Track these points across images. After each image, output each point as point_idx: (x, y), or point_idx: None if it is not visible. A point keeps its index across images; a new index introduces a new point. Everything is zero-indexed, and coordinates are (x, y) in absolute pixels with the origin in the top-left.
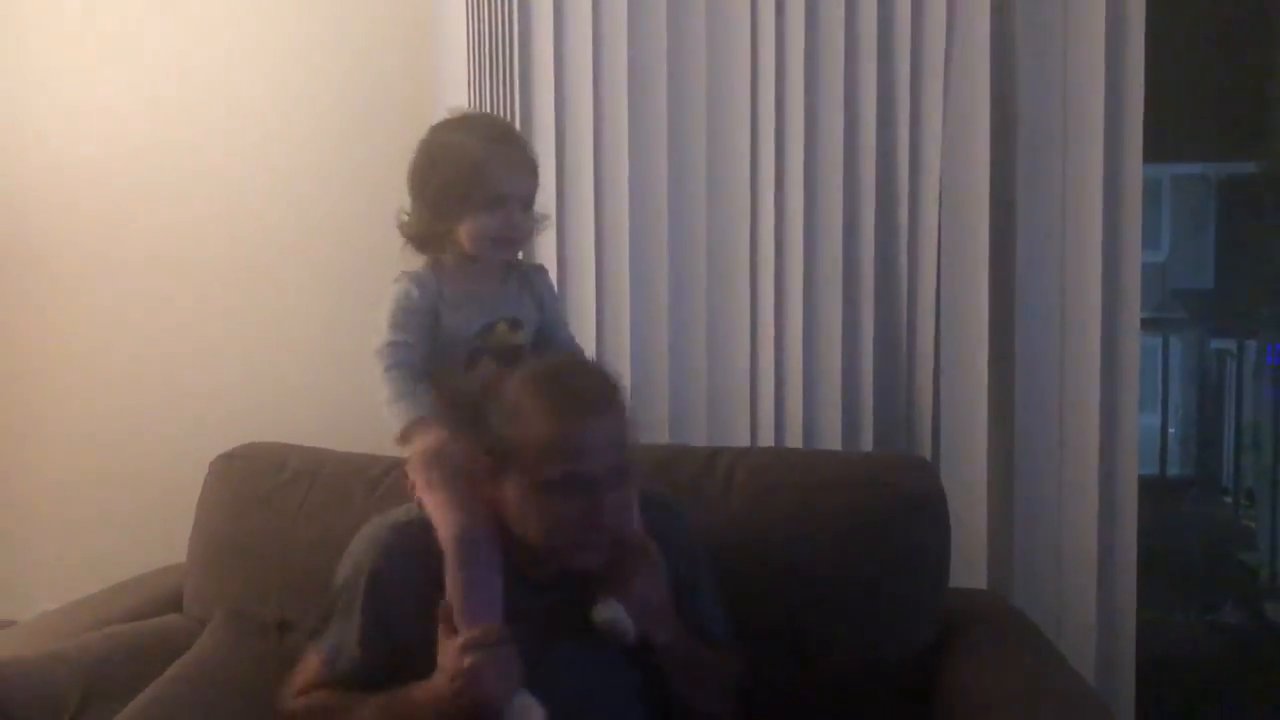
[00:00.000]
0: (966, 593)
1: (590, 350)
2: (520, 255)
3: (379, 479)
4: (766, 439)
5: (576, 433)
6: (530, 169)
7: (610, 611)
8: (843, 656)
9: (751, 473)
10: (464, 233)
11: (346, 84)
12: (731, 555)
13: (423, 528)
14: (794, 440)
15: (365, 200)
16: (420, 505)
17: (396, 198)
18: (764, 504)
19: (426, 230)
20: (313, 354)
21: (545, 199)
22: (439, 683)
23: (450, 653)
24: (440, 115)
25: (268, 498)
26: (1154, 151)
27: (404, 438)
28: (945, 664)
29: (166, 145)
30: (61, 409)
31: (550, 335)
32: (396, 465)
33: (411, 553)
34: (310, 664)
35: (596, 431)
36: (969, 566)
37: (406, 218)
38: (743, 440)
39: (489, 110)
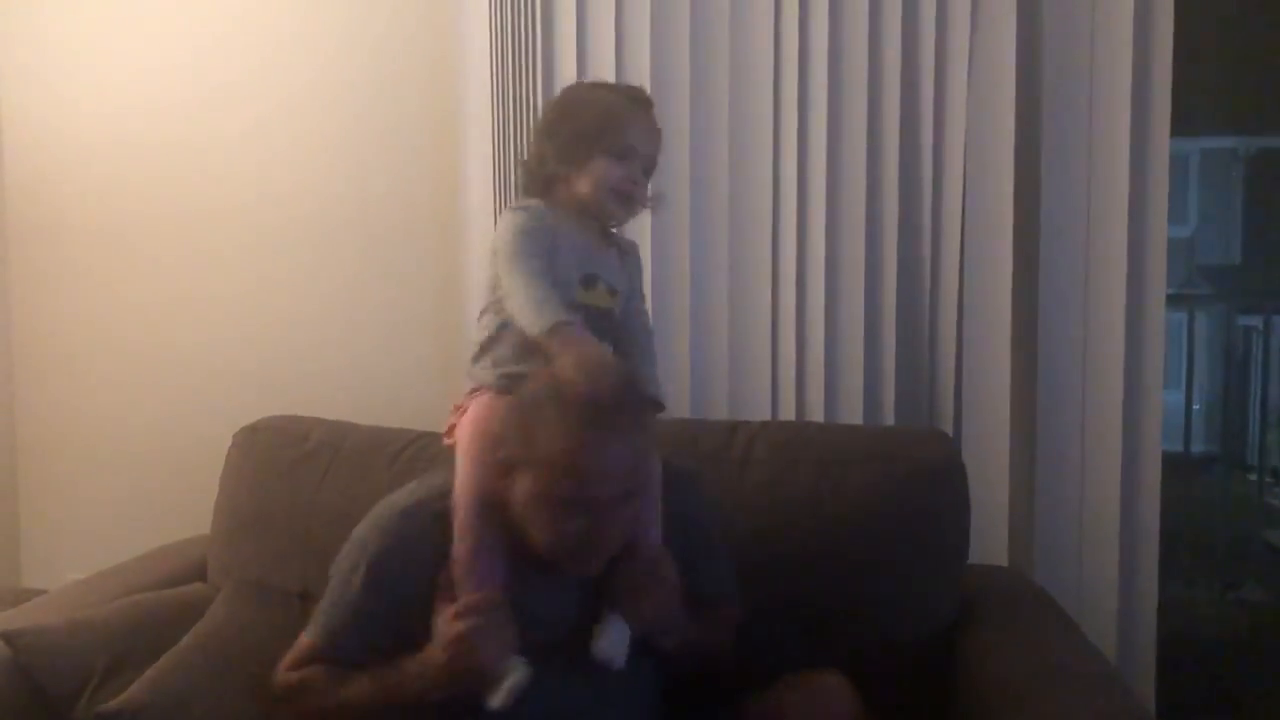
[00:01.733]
0: (987, 569)
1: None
2: (615, 230)
3: (399, 452)
4: (787, 413)
5: (590, 459)
6: (658, 137)
7: (607, 645)
8: (862, 632)
9: (771, 446)
10: (588, 176)
11: (369, 70)
12: (750, 529)
13: (431, 515)
14: (815, 415)
15: (387, 180)
16: (451, 447)
17: (418, 178)
18: (783, 478)
19: (548, 171)
20: (335, 329)
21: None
22: (432, 651)
23: (444, 619)
24: (463, 105)
25: (290, 470)
26: (1182, 126)
27: (559, 343)
28: (965, 641)
29: (189, 127)
30: (89, 386)
31: (630, 312)
32: (417, 439)
33: (417, 538)
34: (304, 641)
35: (611, 458)
36: (990, 544)
37: (527, 159)
38: (763, 414)
39: (509, 89)
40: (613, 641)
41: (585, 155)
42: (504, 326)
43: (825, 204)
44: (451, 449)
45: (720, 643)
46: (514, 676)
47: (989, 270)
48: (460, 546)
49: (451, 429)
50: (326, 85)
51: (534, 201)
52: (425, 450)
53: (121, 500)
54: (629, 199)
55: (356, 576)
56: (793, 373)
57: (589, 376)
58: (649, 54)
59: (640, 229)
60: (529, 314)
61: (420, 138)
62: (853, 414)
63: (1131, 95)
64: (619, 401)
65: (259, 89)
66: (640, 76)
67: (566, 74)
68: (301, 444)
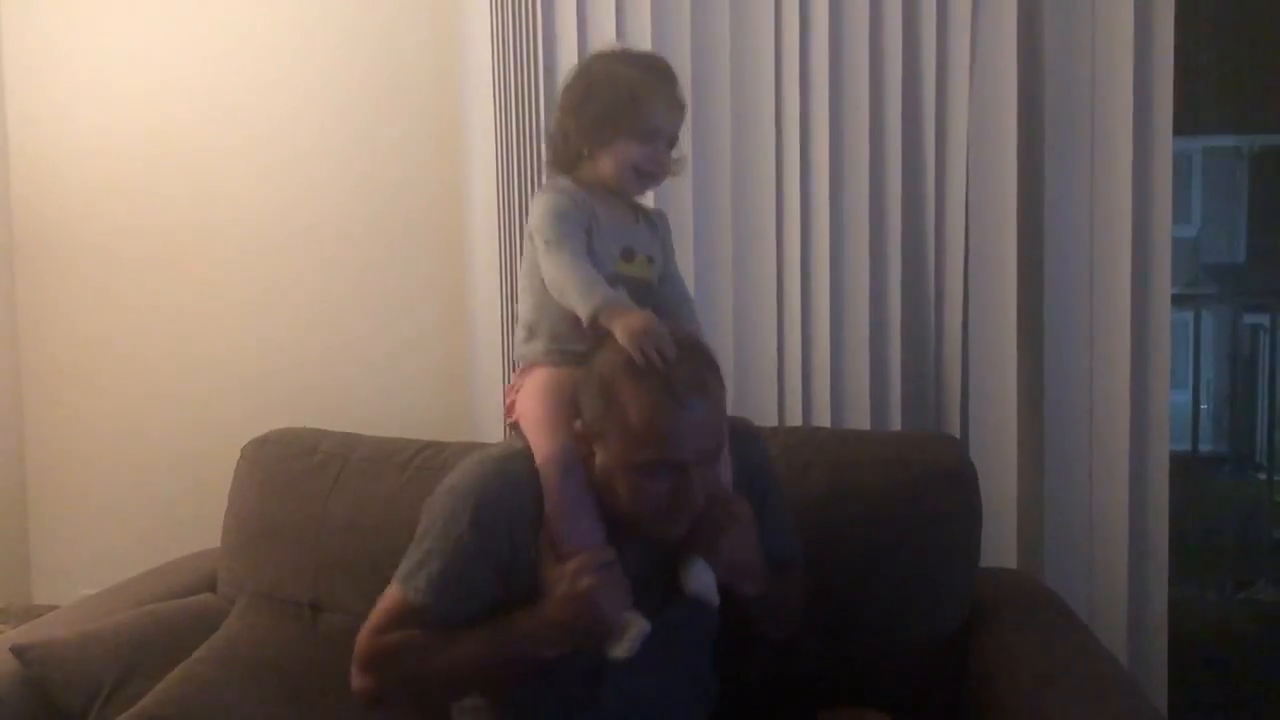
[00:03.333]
0: (997, 572)
1: None
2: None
3: (408, 462)
4: (794, 419)
5: (669, 423)
6: (681, 109)
7: (699, 580)
8: (873, 635)
9: (781, 451)
10: (611, 158)
11: (373, 81)
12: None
13: (525, 458)
14: (821, 420)
15: (394, 189)
16: (517, 426)
17: (425, 187)
18: (793, 483)
19: (574, 150)
20: (342, 340)
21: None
22: (550, 608)
23: (561, 577)
24: (466, 111)
25: (299, 481)
26: (1185, 124)
27: (608, 318)
28: (975, 644)
29: (197, 137)
30: (97, 400)
31: (670, 280)
32: (425, 449)
33: (517, 485)
34: (395, 599)
35: (689, 421)
36: (999, 547)
37: (555, 134)
38: (770, 420)
39: (512, 94)
40: (702, 579)
41: (610, 136)
42: (548, 306)
43: (829, 208)
44: (515, 426)
45: (795, 606)
46: (636, 626)
47: (994, 272)
48: (556, 509)
49: (512, 406)
50: (331, 97)
51: (564, 181)
52: (434, 459)
53: (131, 515)
54: (652, 176)
55: (462, 523)
56: (799, 378)
57: (642, 337)
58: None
59: None
60: (577, 296)
61: (424, 149)
62: (859, 419)
63: (1133, 95)
64: (690, 364)
65: (265, 100)
66: None
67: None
68: (310, 455)
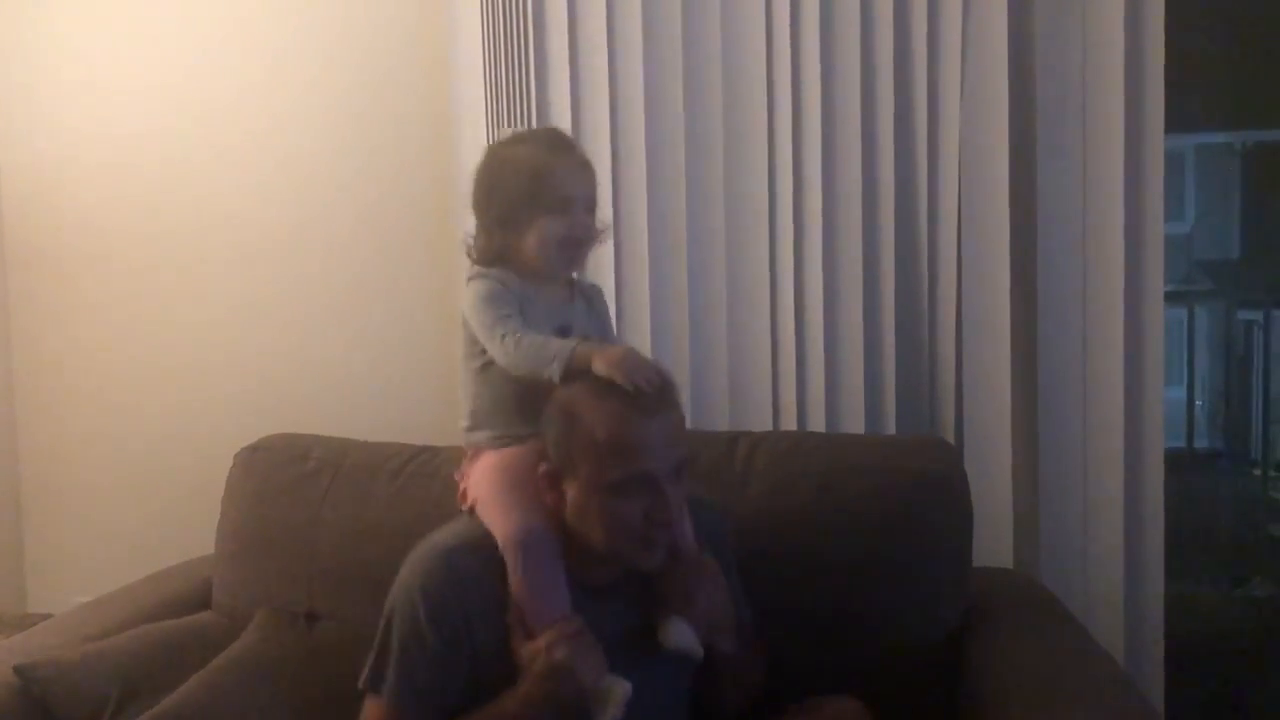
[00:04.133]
0: (992, 572)
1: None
2: (576, 275)
3: (401, 468)
4: (788, 424)
5: (637, 433)
6: (590, 172)
7: (680, 635)
8: (867, 640)
9: (773, 457)
10: (532, 238)
11: (363, 85)
12: (753, 539)
13: (473, 549)
14: (816, 425)
15: (384, 194)
16: (472, 512)
17: (415, 193)
18: (785, 488)
19: (496, 245)
20: (335, 346)
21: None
22: (529, 686)
23: (531, 653)
24: (457, 114)
25: (292, 488)
26: (1177, 122)
27: (582, 362)
28: (971, 645)
29: (186, 142)
30: (89, 408)
31: None
32: (418, 454)
33: (467, 576)
34: (375, 710)
35: (656, 431)
36: (995, 546)
37: (474, 236)
38: (764, 426)
39: (506, 107)
40: (682, 633)
41: (526, 219)
42: (485, 395)
43: (821, 208)
44: (471, 511)
45: (758, 674)
46: (619, 690)
47: (986, 272)
48: (521, 585)
49: (464, 494)
50: (321, 101)
51: (493, 270)
52: (427, 465)
53: (125, 522)
54: (579, 244)
55: (422, 625)
56: (793, 383)
57: (625, 364)
58: (640, 60)
59: (636, 243)
60: (538, 363)
61: (417, 155)
62: (854, 423)
63: (1125, 93)
64: (654, 381)
65: (256, 106)
66: (632, 82)
67: (559, 83)
68: (302, 462)
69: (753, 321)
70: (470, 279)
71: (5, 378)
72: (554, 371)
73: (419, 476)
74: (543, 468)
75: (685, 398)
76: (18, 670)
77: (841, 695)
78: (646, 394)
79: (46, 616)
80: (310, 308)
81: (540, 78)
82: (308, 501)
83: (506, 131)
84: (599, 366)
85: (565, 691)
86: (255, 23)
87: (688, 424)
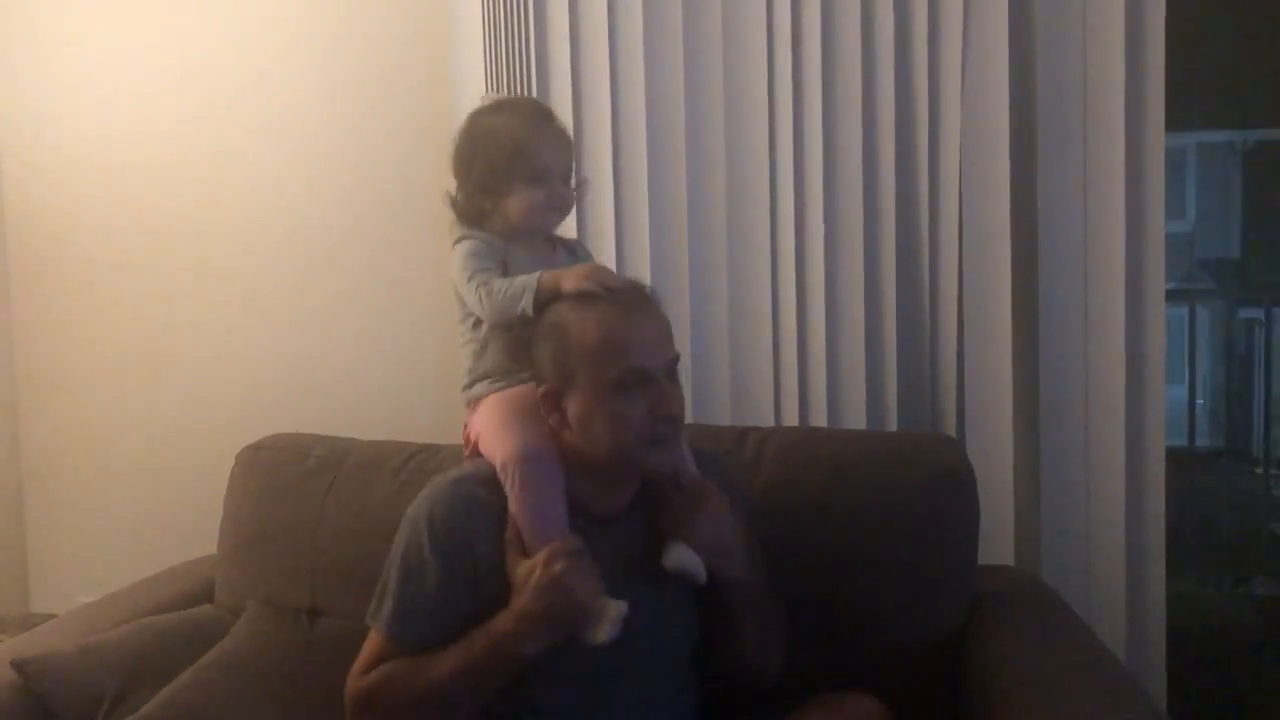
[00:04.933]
0: (995, 570)
1: None
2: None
3: (402, 465)
4: (790, 421)
5: (628, 330)
6: (566, 144)
7: (680, 557)
8: (872, 635)
9: (779, 452)
10: (512, 206)
11: (365, 85)
12: (761, 532)
13: (479, 480)
14: (818, 422)
15: (385, 193)
16: (476, 454)
17: (415, 191)
18: (791, 483)
19: (476, 208)
20: (335, 345)
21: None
22: (523, 601)
23: (528, 569)
24: (457, 115)
25: (294, 487)
26: (1178, 120)
27: (549, 287)
28: (975, 642)
29: (188, 143)
30: (90, 408)
31: None
32: (419, 452)
33: (475, 503)
34: (371, 638)
35: (645, 326)
36: (997, 544)
37: (455, 196)
38: (767, 421)
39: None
40: (683, 555)
41: (505, 186)
42: (484, 347)
43: (822, 206)
44: (473, 454)
45: (780, 630)
46: (615, 608)
47: (988, 271)
48: (520, 504)
49: (467, 440)
50: (322, 103)
51: (475, 231)
52: (428, 463)
53: (127, 522)
54: (556, 211)
55: (425, 553)
56: (795, 379)
57: (594, 274)
58: (642, 56)
59: (639, 240)
60: (512, 301)
61: (416, 152)
62: (855, 420)
63: (1125, 92)
64: (630, 283)
65: (257, 107)
66: (634, 79)
67: (561, 86)
68: (304, 461)
69: (754, 319)
70: (455, 241)
71: (7, 378)
72: (526, 304)
73: (420, 474)
74: (541, 390)
75: (687, 395)
76: (15, 665)
77: (859, 692)
78: (623, 293)
79: (49, 617)
80: (310, 307)
81: (541, 76)
82: (309, 500)
83: (489, 97)
84: (569, 285)
85: (559, 606)
86: (258, 27)
87: (689, 420)
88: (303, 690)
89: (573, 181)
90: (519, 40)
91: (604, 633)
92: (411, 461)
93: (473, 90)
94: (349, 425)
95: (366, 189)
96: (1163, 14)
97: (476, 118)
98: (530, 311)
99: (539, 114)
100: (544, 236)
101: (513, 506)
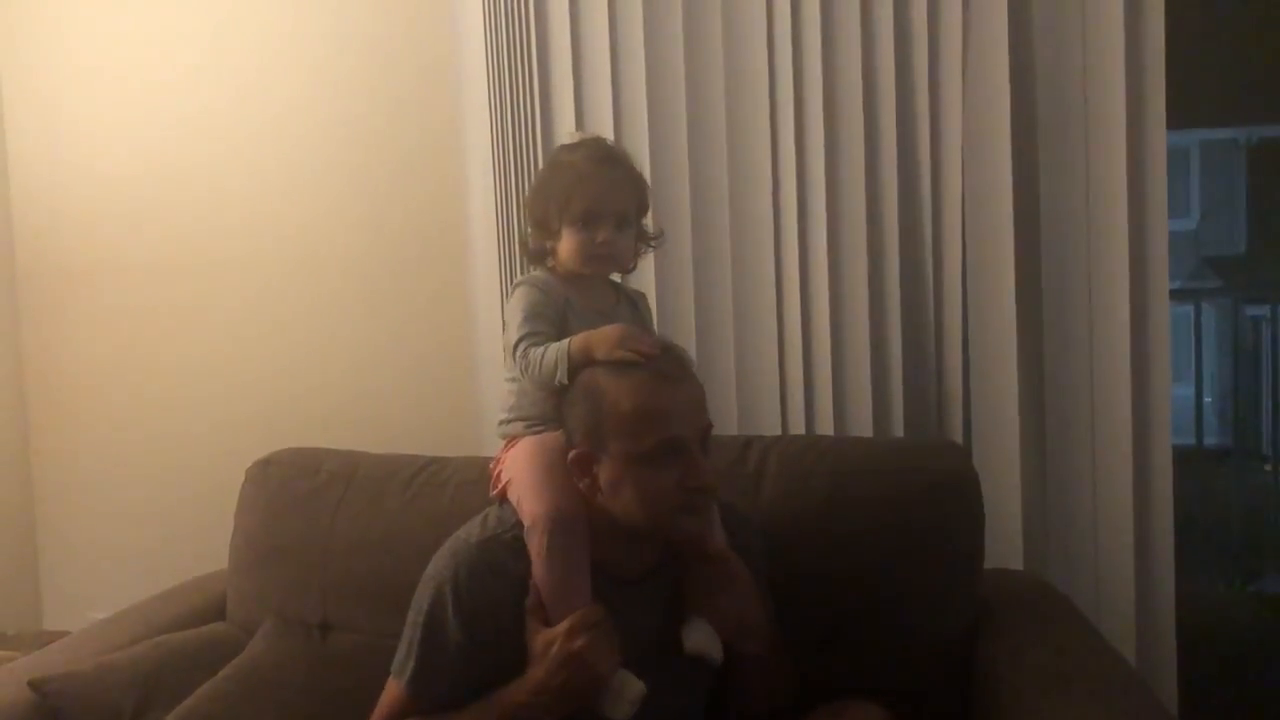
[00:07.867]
0: (1003, 573)
1: None
2: (620, 279)
3: (411, 479)
4: (796, 429)
5: (662, 400)
6: (627, 189)
7: (699, 641)
8: (879, 640)
9: (784, 461)
10: (562, 247)
11: (377, 100)
12: (765, 542)
13: (502, 545)
14: (824, 430)
15: (395, 207)
16: (502, 499)
17: (423, 203)
18: (797, 491)
19: (538, 245)
20: (345, 359)
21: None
22: (541, 673)
23: (547, 640)
24: (461, 120)
25: (304, 501)
26: (1182, 117)
27: (581, 351)
28: (983, 645)
29: (198, 154)
30: (101, 424)
31: None
32: (428, 465)
33: (499, 568)
34: (391, 691)
35: (678, 396)
36: (1005, 547)
37: (527, 231)
38: (773, 430)
39: (509, 111)
40: (704, 636)
41: (556, 226)
42: (527, 392)
43: (825, 212)
44: (500, 496)
45: (789, 680)
46: (634, 688)
47: (991, 273)
48: (545, 570)
49: (497, 477)
50: (329, 119)
51: (538, 272)
52: (437, 476)
53: (139, 538)
54: (602, 259)
55: (448, 615)
56: (801, 387)
57: (626, 340)
58: (643, 61)
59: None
60: (548, 369)
61: (423, 167)
62: (861, 428)
63: (1126, 90)
64: (664, 350)
65: (265, 120)
66: (635, 85)
67: (561, 87)
68: (314, 475)
69: (759, 327)
70: (516, 284)
71: (18, 393)
72: (561, 375)
73: (430, 487)
74: (572, 454)
75: None
76: (32, 684)
77: (865, 699)
78: (659, 360)
79: (63, 634)
80: (320, 322)
81: (542, 77)
82: (320, 513)
83: (574, 134)
84: (601, 354)
85: (578, 681)
86: (263, 39)
87: None
88: (316, 704)
89: (632, 227)
90: (520, 41)
91: (621, 711)
92: (421, 474)
93: (474, 90)
94: (358, 439)
95: (376, 205)
96: (1162, 10)
97: (552, 155)
98: (566, 380)
99: (601, 156)
100: (605, 282)
101: (536, 571)
